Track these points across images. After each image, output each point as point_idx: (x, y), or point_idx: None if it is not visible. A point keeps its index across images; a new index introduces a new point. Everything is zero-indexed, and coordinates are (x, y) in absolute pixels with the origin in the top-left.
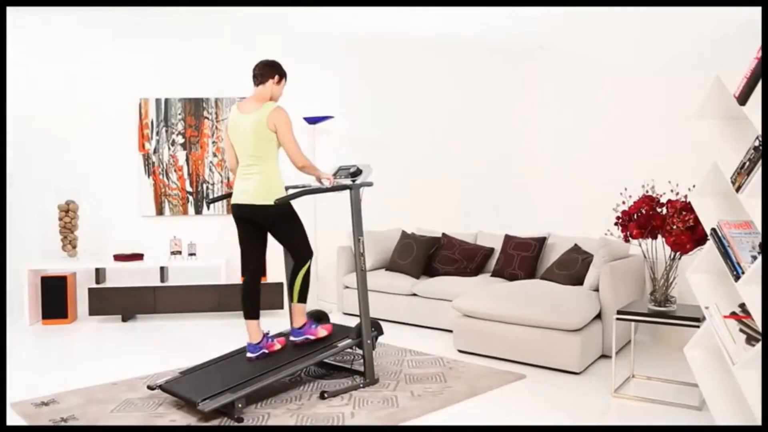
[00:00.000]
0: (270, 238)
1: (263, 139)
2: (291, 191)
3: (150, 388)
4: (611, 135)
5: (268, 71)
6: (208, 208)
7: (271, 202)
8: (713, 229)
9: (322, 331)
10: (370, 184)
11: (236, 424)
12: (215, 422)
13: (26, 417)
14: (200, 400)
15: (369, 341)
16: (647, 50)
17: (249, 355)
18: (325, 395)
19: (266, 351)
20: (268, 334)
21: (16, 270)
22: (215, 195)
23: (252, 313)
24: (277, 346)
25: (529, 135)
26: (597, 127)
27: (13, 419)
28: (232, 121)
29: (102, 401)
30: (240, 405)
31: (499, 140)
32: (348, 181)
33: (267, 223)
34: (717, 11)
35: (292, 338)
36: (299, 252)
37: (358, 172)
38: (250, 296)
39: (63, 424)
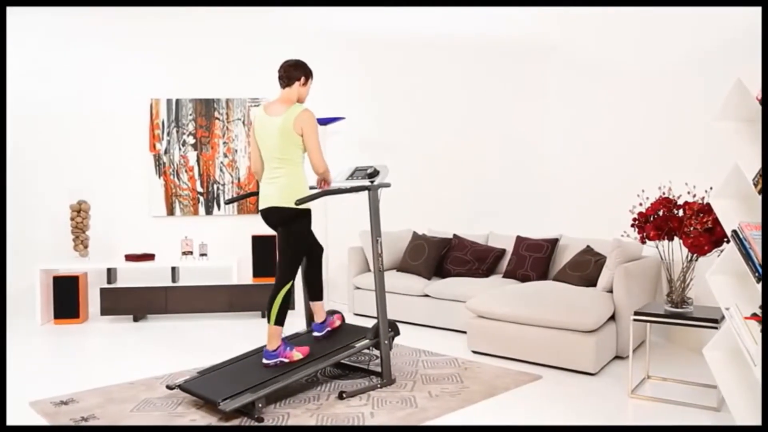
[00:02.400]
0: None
1: (289, 142)
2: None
3: (169, 387)
4: (623, 136)
5: (293, 73)
6: (219, 208)
7: (293, 205)
8: (734, 231)
9: (297, 354)
10: (387, 185)
11: (257, 423)
12: (235, 422)
13: (46, 416)
14: (221, 400)
15: (386, 342)
16: (661, 50)
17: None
18: (344, 395)
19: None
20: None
21: (28, 270)
22: (226, 196)
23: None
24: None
25: (540, 136)
26: (608, 127)
27: (33, 418)
28: (259, 123)
29: (121, 401)
30: (260, 405)
31: (510, 141)
32: (366, 182)
33: (282, 223)
34: (728, 11)
35: (264, 360)
36: (284, 270)
37: (375, 173)
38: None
39: (84, 423)
